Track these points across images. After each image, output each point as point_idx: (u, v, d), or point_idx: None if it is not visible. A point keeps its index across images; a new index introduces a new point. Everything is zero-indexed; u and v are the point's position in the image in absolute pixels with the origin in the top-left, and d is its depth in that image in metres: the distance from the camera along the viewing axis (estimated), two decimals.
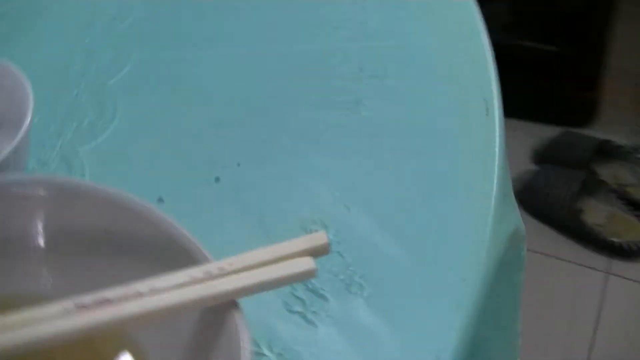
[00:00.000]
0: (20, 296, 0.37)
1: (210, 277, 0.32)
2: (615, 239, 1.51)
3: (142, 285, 0.31)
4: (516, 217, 0.55)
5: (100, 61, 0.62)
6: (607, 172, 1.63)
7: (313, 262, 0.32)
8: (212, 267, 0.32)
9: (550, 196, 1.56)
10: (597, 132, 1.73)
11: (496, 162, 0.50)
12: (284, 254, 0.32)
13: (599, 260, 1.52)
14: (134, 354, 0.35)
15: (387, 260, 0.45)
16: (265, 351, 0.40)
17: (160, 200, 0.49)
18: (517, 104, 0.96)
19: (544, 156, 1.71)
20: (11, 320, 0.30)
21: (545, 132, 1.74)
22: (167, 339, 0.34)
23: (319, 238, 0.33)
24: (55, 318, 0.30)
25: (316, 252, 0.33)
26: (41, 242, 0.38)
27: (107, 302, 0.31)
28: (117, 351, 0.35)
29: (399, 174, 0.51)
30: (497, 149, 0.52)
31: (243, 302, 0.32)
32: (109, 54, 0.63)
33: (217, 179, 0.51)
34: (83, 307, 0.30)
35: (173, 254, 0.34)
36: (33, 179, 0.37)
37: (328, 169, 0.52)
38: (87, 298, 0.31)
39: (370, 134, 0.55)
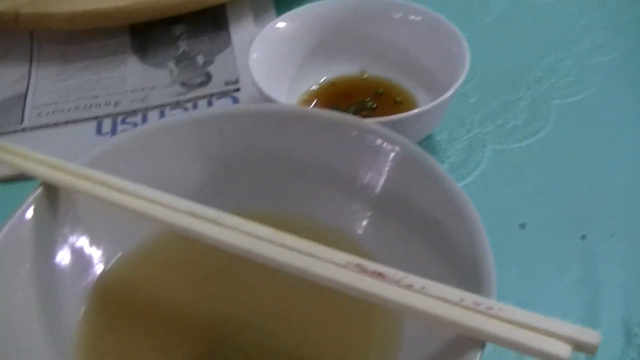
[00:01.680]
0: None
1: (475, 309, 0.32)
2: None
3: (417, 280, 0.33)
4: None
5: (562, 80, 0.63)
6: None
7: (568, 352, 0.30)
8: (483, 301, 0.32)
9: None
10: None
11: None
12: (545, 328, 0.31)
13: None
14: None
15: None
16: None
17: (522, 226, 0.50)
18: None
19: None
20: (306, 247, 0.35)
21: None
22: (421, 334, 0.36)
23: (591, 336, 0.30)
24: (335, 265, 0.34)
25: (579, 346, 0.30)
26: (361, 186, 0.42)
27: (382, 277, 0.33)
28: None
29: None
30: None
31: None
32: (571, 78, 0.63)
33: (584, 237, 0.49)
34: (362, 270, 0.34)
35: (463, 263, 0.36)
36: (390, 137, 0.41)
37: None
38: (370, 265, 0.34)
39: None
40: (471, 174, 0.54)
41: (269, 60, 0.56)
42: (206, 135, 0.44)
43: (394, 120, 0.47)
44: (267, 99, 0.50)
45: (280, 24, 0.58)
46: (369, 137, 0.41)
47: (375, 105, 0.57)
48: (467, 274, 0.35)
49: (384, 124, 0.45)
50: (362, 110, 0.56)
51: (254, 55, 0.54)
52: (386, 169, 0.41)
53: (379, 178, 0.42)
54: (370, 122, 0.43)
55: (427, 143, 0.56)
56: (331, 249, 0.34)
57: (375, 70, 0.60)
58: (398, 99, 0.57)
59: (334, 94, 0.59)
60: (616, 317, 0.44)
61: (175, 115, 0.58)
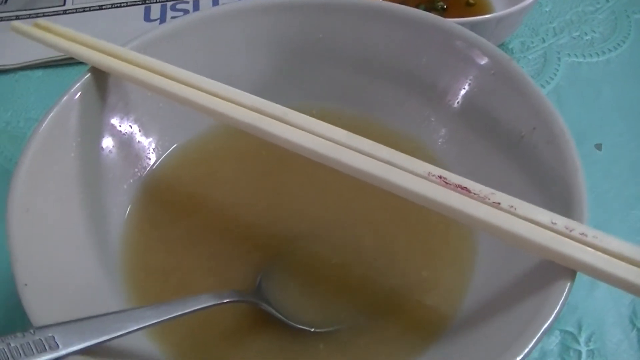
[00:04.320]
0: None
1: (568, 234, 0.29)
2: None
3: (505, 198, 0.30)
4: None
5: None
6: None
7: None
8: (576, 226, 0.29)
9: None
10: None
11: None
12: None
13: None
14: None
15: None
16: (574, 330, 0.37)
17: (598, 146, 0.46)
18: None
19: None
20: (385, 153, 0.31)
21: None
22: (497, 262, 0.33)
23: None
24: (416, 176, 0.31)
25: None
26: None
27: (466, 191, 0.30)
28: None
29: None
30: None
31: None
32: None
33: None
34: (444, 183, 0.30)
35: (550, 183, 0.32)
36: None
37: None
38: (453, 177, 0.30)
39: None
40: (545, 87, 0.50)
41: None
42: (272, 25, 0.40)
43: (471, 22, 0.43)
44: None
45: None
46: (452, 40, 0.38)
47: (445, 6, 0.52)
48: (555, 196, 0.32)
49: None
50: (432, 10, 0.52)
51: None
52: (469, 76, 0.37)
53: (460, 85, 0.38)
54: (453, 22, 0.39)
55: None
56: (411, 157, 0.31)
57: None
58: (471, 1, 0.53)
59: None
60: None
61: (231, 3, 0.54)
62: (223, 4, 0.54)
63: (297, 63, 0.41)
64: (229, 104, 0.34)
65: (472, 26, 0.43)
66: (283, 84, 0.41)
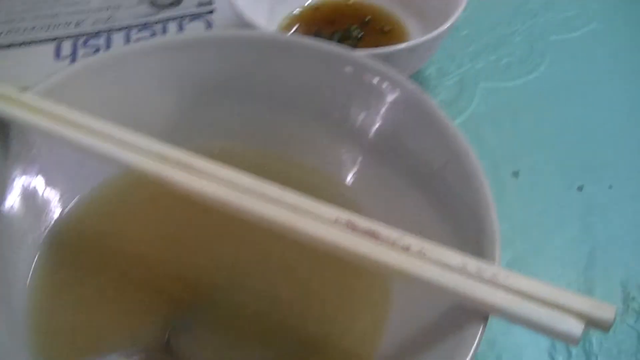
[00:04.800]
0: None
1: (479, 277, 0.28)
2: None
3: (415, 241, 0.29)
4: None
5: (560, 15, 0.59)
6: None
7: (581, 330, 0.27)
8: (487, 268, 0.29)
9: None
10: None
11: None
12: (556, 302, 0.27)
13: None
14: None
15: None
16: None
17: (515, 174, 0.46)
18: None
19: None
20: (291, 199, 0.31)
21: None
22: (411, 301, 0.33)
23: (604, 310, 0.27)
24: (323, 223, 0.30)
25: (593, 322, 0.27)
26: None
27: (375, 236, 0.29)
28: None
29: None
30: None
31: None
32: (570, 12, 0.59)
33: (580, 188, 0.46)
34: (352, 228, 0.30)
35: (463, 219, 0.32)
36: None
37: None
38: (362, 222, 0.30)
39: None
40: (462, 114, 0.50)
41: None
42: (179, 64, 0.39)
43: (385, 53, 0.43)
44: (245, 23, 0.45)
45: None
46: (362, 73, 0.37)
47: (361, 35, 0.52)
48: (468, 234, 0.32)
49: (374, 56, 0.41)
50: (348, 39, 0.51)
51: None
52: (380, 109, 0.37)
53: (371, 119, 0.38)
54: (364, 55, 0.38)
55: (414, 78, 0.51)
56: (319, 202, 0.30)
57: None
58: (386, 28, 0.53)
59: (317, 20, 0.54)
60: (614, 280, 0.41)
61: (142, 39, 0.53)
62: (136, 40, 0.53)
63: (205, 101, 0.40)
64: (134, 152, 0.33)
65: (386, 56, 0.43)
66: (193, 123, 0.40)
